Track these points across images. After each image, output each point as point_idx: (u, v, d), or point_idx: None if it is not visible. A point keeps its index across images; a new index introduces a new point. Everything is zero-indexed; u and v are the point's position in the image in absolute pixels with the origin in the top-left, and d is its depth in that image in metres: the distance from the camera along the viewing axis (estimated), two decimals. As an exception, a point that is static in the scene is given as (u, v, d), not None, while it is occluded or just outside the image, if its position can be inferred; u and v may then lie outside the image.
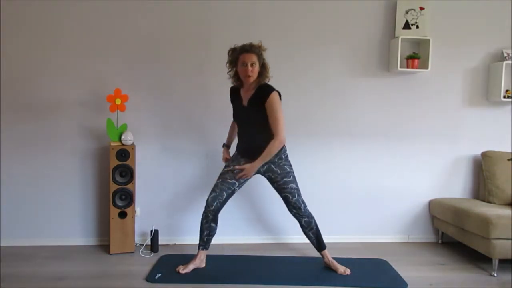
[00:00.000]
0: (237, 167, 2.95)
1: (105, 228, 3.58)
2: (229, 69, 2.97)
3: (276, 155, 2.92)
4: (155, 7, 3.53)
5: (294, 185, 3.00)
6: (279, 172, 2.96)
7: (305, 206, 3.05)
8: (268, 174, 2.99)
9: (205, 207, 3.01)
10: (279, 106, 2.82)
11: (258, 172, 2.99)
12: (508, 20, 3.78)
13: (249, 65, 2.83)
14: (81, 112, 3.53)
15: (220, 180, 3.01)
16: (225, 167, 3.09)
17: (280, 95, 2.89)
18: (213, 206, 2.98)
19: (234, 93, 3.05)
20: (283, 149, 2.96)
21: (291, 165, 3.03)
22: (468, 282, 2.97)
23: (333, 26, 3.68)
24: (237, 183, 3.00)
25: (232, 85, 3.07)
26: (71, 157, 3.55)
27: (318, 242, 3.09)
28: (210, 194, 3.00)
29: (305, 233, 3.11)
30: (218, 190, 2.98)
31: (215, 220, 3.03)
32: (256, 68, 2.86)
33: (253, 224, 3.73)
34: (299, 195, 3.03)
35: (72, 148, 3.55)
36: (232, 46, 2.93)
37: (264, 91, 2.86)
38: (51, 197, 3.56)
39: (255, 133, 2.94)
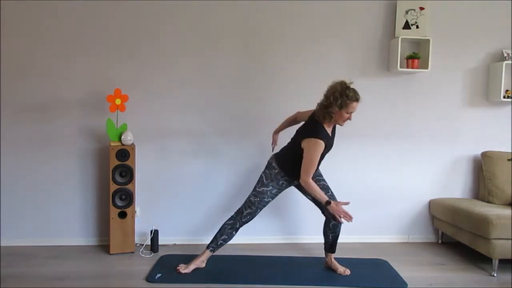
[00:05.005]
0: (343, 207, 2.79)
1: (105, 228, 3.58)
2: (334, 109, 2.77)
3: None
4: (155, 7, 3.53)
5: (326, 183, 3.07)
6: None
7: None
8: None
9: (236, 216, 3.03)
10: None
11: (292, 185, 3.05)
12: (508, 20, 3.78)
13: (352, 113, 2.83)
14: (81, 112, 3.53)
15: (258, 199, 2.98)
16: (261, 185, 2.97)
17: None
18: (245, 219, 3.03)
19: (327, 139, 2.84)
20: None
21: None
22: (468, 282, 2.97)
23: (333, 26, 3.68)
24: (271, 200, 3.03)
25: (320, 136, 2.79)
26: (71, 157, 3.55)
27: (332, 245, 3.10)
28: (245, 208, 3.01)
29: (325, 232, 3.08)
30: (254, 208, 3.00)
31: (238, 230, 3.06)
32: None
33: (253, 224, 3.72)
34: (333, 194, 3.04)
35: (72, 148, 3.55)
36: (338, 86, 2.78)
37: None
38: (51, 197, 3.56)
39: None
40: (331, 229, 3.04)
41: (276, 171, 2.96)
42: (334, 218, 2.82)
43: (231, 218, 3.05)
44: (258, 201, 2.98)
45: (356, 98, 2.79)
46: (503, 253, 3.07)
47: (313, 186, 2.80)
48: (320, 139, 2.78)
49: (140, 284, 2.83)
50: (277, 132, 3.29)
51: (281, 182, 2.98)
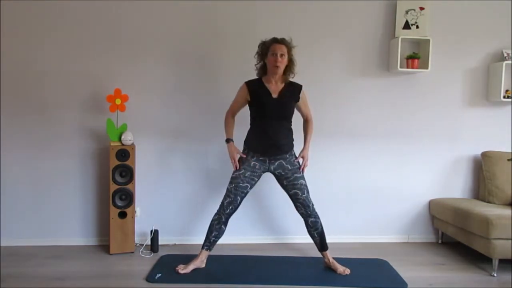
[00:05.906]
0: (300, 160, 3.06)
1: (105, 228, 3.58)
2: (257, 61, 3.05)
3: (289, 150, 3.03)
4: (155, 7, 3.53)
5: (304, 181, 3.03)
6: (289, 168, 3.00)
7: (313, 205, 3.06)
8: (279, 171, 3.01)
9: (220, 210, 3.02)
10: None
11: (268, 170, 3.02)
12: (508, 20, 3.78)
13: (278, 55, 2.90)
14: (81, 112, 3.53)
15: (233, 185, 2.99)
16: (234, 170, 3.02)
17: None
18: (228, 210, 3.01)
19: (256, 87, 3.01)
20: (293, 145, 3.07)
21: (299, 162, 3.09)
22: (468, 282, 2.97)
23: (333, 26, 3.68)
24: (249, 185, 3.01)
25: (248, 81, 3.06)
26: (71, 157, 3.55)
27: (321, 243, 3.10)
28: (225, 199, 3.01)
29: (309, 232, 3.10)
30: (233, 195, 2.98)
31: (226, 223, 3.05)
32: (285, 60, 2.94)
33: (252, 224, 3.73)
34: (308, 192, 3.04)
35: (72, 148, 3.55)
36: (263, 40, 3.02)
37: (297, 87, 3.09)
38: (51, 197, 3.56)
39: (286, 126, 3.04)
40: (312, 226, 3.06)
41: (246, 151, 3.02)
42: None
43: (216, 213, 3.04)
44: (234, 187, 2.98)
45: (275, 39, 2.96)
46: (503, 253, 3.07)
47: (227, 122, 3.11)
48: (246, 83, 3.03)
49: (140, 284, 2.83)
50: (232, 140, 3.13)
51: (252, 163, 2.98)
